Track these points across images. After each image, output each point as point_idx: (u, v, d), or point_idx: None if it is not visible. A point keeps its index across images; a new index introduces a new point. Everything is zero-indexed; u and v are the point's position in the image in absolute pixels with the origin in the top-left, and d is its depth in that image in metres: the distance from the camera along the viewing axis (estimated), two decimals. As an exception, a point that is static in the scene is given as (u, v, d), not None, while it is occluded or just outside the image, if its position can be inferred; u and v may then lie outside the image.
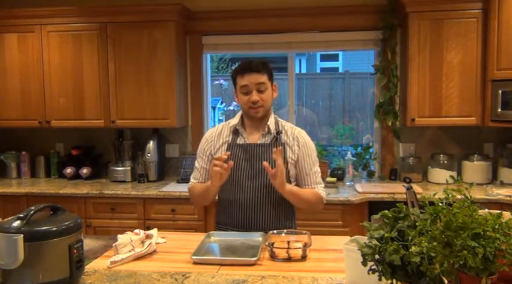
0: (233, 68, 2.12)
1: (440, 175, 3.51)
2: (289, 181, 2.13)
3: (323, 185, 2.17)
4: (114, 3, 3.76)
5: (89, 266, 1.71)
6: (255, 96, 2.04)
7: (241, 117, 2.16)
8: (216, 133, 2.18)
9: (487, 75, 3.26)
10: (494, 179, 3.52)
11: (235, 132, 2.15)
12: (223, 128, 2.18)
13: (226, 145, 2.13)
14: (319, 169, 2.17)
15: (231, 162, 1.95)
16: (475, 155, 3.49)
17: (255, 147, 2.10)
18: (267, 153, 2.08)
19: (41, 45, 3.67)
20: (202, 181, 2.18)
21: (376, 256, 1.19)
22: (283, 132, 2.14)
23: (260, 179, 2.06)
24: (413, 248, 1.11)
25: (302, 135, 2.16)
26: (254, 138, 2.13)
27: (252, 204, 2.07)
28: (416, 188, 3.18)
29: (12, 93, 3.74)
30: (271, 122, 2.12)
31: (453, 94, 3.34)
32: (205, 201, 2.20)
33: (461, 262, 1.04)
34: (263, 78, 2.05)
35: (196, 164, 2.21)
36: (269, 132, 2.11)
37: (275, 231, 1.94)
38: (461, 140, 3.70)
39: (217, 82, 5.70)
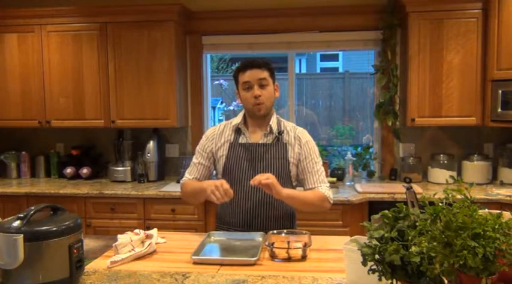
0: (233, 68, 2.13)
1: (440, 175, 3.51)
2: (291, 182, 2.13)
3: (328, 184, 2.13)
4: (114, 3, 3.76)
5: (89, 266, 1.71)
6: (257, 91, 2.04)
7: (244, 116, 2.16)
8: (218, 132, 2.17)
9: (487, 75, 3.26)
10: (494, 179, 3.52)
11: (238, 131, 2.14)
12: (225, 127, 2.18)
13: (228, 144, 2.13)
14: (322, 168, 2.14)
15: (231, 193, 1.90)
16: (475, 155, 3.49)
17: (257, 147, 2.10)
18: (269, 153, 2.08)
19: (41, 45, 3.67)
20: (197, 176, 2.18)
21: (376, 256, 1.19)
22: (285, 131, 2.13)
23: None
24: (413, 248, 1.11)
25: (303, 134, 2.15)
26: (256, 137, 2.13)
27: (253, 204, 2.07)
28: (417, 188, 3.18)
29: (12, 93, 3.74)
30: (273, 122, 2.12)
31: (453, 94, 3.34)
32: (196, 201, 2.19)
33: (461, 262, 1.04)
34: (264, 73, 2.06)
35: (194, 159, 2.20)
36: (271, 131, 2.11)
37: (275, 231, 1.94)
38: (461, 140, 3.69)
39: (217, 82, 5.69)
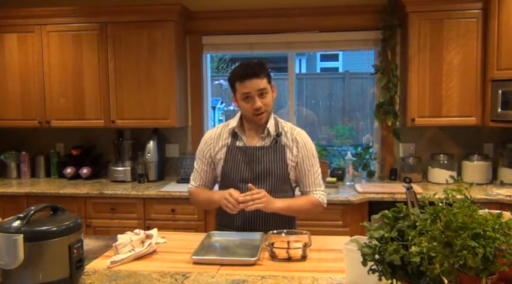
0: (233, 68, 2.10)
1: (440, 175, 3.51)
2: (290, 184, 2.13)
3: (323, 187, 2.13)
4: (114, 3, 3.76)
5: (89, 266, 1.71)
6: (258, 103, 2.00)
7: (240, 118, 2.14)
8: (215, 136, 2.15)
9: (487, 75, 3.26)
10: (494, 179, 3.52)
11: (234, 135, 2.13)
12: (222, 130, 2.16)
13: (225, 148, 2.11)
14: (319, 171, 2.14)
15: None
16: (475, 155, 3.49)
17: (254, 150, 2.08)
18: (266, 156, 2.07)
19: (41, 45, 3.67)
20: (202, 183, 2.18)
21: (376, 256, 1.19)
22: (283, 133, 2.11)
23: (259, 182, 2.04)
24: (413, 248, 1.11)
25: (301, 135, 2.13)
26: (254, 140, 2.11)
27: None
28: (417, 188, 3.17)
29: (12, 93, 3.74)
30: (270, 124, 2.09)
31: (453, 94, 3.34)
32: (208, 208, 2.18)
33: (461, 262, 1.04)
34: (263, 82, 2.01)
35: (195, 166, 2.20)
36: (268, 134, 2.09)
37: (275, 231, 1.94)
38: (461, 140, 3.69)
39: (217, 82, 5.70)
